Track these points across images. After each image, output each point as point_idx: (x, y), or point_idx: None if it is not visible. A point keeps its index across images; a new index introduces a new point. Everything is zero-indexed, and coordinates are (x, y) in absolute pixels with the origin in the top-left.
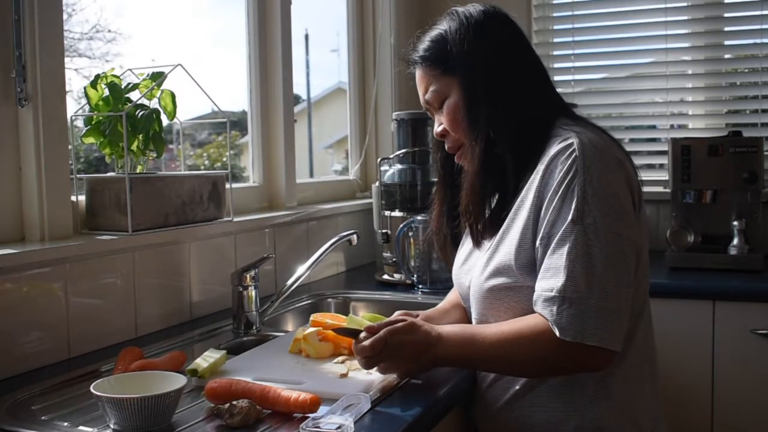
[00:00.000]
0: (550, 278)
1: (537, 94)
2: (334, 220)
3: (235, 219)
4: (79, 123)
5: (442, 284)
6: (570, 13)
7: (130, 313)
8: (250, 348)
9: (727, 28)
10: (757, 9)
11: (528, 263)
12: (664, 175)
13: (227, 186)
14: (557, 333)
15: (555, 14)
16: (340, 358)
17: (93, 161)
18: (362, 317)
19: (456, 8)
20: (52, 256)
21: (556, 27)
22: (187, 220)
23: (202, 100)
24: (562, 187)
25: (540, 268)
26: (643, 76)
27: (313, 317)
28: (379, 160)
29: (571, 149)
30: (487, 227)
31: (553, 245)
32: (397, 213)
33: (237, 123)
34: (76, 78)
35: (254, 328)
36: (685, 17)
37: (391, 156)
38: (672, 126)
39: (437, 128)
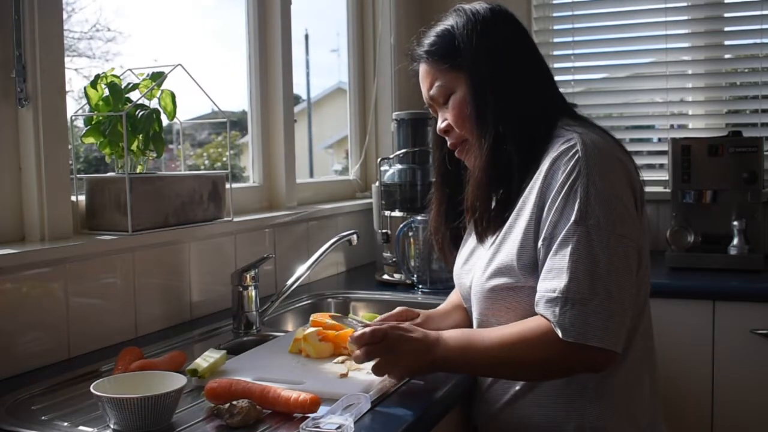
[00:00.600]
0: (553, 279)
1: (541, 93)
2: (334, 220)
3: (235, 219)
4: (79, 123)
5: (442, 284)
6: (570, 13)
7: (130, 313)
8: (250, 348)
9: (727, 28)
10: (757, 9)
11: (530, 264)
12: (664, 175)
13: (227, 186)
14: (560, 334)
15: (555, 14)
16: (340, 358)
17: (93, 161)
18: (362, 317)
19: (462, 5)
20: (52, 256)
21: (556, 27)
22: (187, 220)
23: (202, 100)
24: (565, 188)
25: (542, 269)
26: (643, 76)
27: (313, 317)
28: (379, 160)
29: (573, 150)
30: (492, 224)
31: (555, 246)
32: (397, 213)
33: (237, 123)
34: (76, 78)
35: (254, 328)
36: (685, 17)
37: (391, 156)
38: (672, 126)
39: (441, 124)
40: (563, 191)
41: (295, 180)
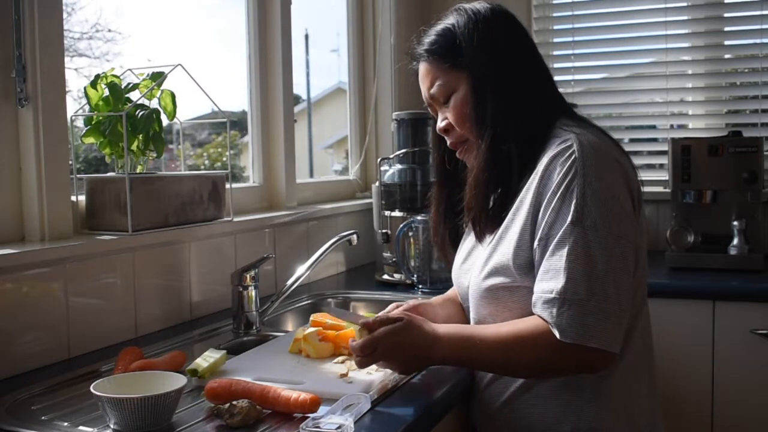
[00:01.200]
0: (550, 280)
1: (541, 93)
2: (334, 220)
3: (235, 219)
4: (79, 123)
5: (442, 284)
6: (570, 13)
7: (130, 313)
8: (250, 348)
9: (727, 28)
10: (757, 9)
11: (526, 264)
12: (664, 175)
13: (227, 186)
14: (557, 335)
15: (555, 14)
16: (340, 358)
17: (93, 161)
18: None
19: (462, 5)
20: (52, 256)
21: (556, 27)
22: (187, 220)
23: (202, 100)
24: (561, 188)
25: (538, 270)
26: (643, 76)
27: (313, 317)
28: (379, 160)
29: (570, 151)
30: (490, 223)
31: (552, 247)
32: (397, 213)
33: (237, 123)
34: (76, 78)
35: (254, 328)
36: (685, 17)
37: (391, 156)
38: (672, 126)
39: (441, 123)
40: (560, 191)
41: (295, 180)
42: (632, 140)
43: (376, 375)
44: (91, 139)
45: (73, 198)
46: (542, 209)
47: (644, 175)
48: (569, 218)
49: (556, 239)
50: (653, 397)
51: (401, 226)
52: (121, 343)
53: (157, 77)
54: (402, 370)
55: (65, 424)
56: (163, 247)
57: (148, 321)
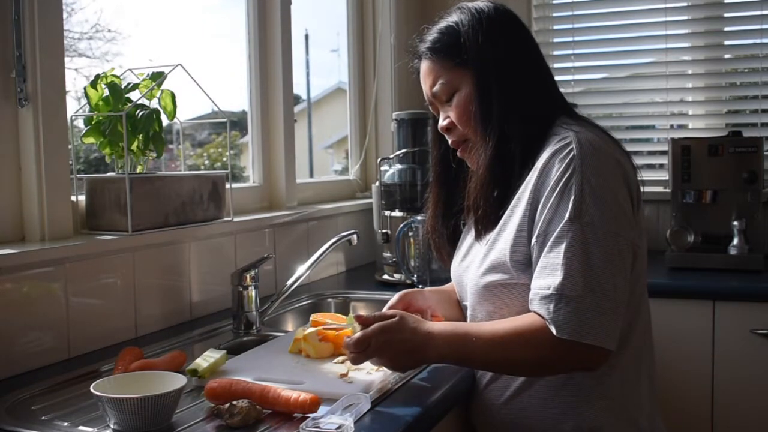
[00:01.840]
0: (547, 276)
1: (543, 92)
2: (334, 220)
3: (235, 219)
4: (79, 123)
5: (442, 284)
6: (570, 13)
7: (130, 313)
8: (250, 348)
9: (727, 28)
10: (757, 9)
11: (523, 260)
12: (664, 175)
13: (227, 186)
14: (554, 331)
15: (555, 14)
16: (340, 358)
17: (93, 161)
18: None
19: (465, 3)
20: (52, 256)
21: (556, 27)
22: (187, 220)
23: (202, 100)
24: (560, 185)
25: (536, 267)
26: (643, 76)
27: (313, 317)
28: (379, 160)
29: (568, 148)
30: (491, 221)
31: (549, 243)
32: (397, 213)
33: (237, 123)
34: (76, 78)
35: (254, 328)
36: (685, 17)
37: (391, 156)
38: (672, 126)
39: (443, 122)
40: (558, 188)
41: (295, 180)
42: (632, 140)
43: (376, 375)
44: (91, 139)
45: (73, 198)
46: (540, 206)
47: (644, 175)
48: (567, 215)
49: (553, 236)
50: (653, 397)
51: (401, 226)
52: (121, 343)
53: (157, 77)
54: (395, 366)
55: (65, 424)
56: (163, 247)
57: (148, 321)
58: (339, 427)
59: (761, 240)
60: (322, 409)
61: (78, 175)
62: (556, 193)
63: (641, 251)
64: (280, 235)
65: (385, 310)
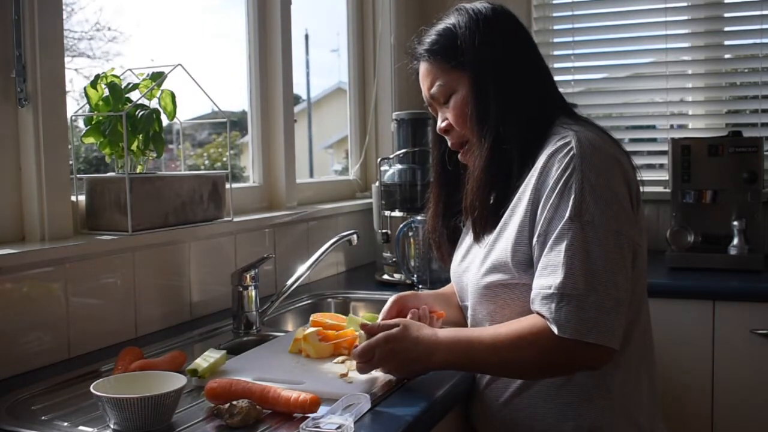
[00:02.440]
0: (548, 276)
1: (542, 93)
2: (334, 220)
3: (235, 219)
4: (80, 123)
5: (442, 284)
6: (570, 13)
7: (130, 313)
8: (250, 348)
9: (727, 28)
10: (757, 9)
11: (524, 260)
12: (664, 175)
13: (227, 186)
14: (556, 330)
15: (555, 14)
16: (340, 358)
17: (93, 161)
18: (362, 317)
19: (463, 4)
20: (52, 256)
21: (556, 27)
22: (187, 220)
23: (202, 100)
24: (560, 184)
25: (537, 266)
26: (643, 76)
27: (313, 317)
28: (379, 160)
29: (568, 147)
30: (489, 222)
31: (550, 242)
32: (397, 213)
33: (237, 123)
34: (76, 78)
35: (254, 328)
36: (685, 17)
37: (391, 156)
38: (672, 126)
39: (441, 124)
40: (558, 188)
41: (295, 180)
42: (632, 140)
43: (376, 375)
44: (91, 139)
45: (73, 198)
46: (540, 206)
47: (644, 175)
48: (567, 214)
49: (554, 235)
50: (654, 397)
51: (401, 226)
52: (121, 343)
53: (157, 77)
54: (401, 374)
55: (65, 424)
56: (163, 247)
57: (148, 321)
58: (339, 427)
59: (761, 240)
60: (322, 409)
61: (78, 175)
62: (556, 192)
63: (641, 250)
64: (280, 235)
65: (380, 318)
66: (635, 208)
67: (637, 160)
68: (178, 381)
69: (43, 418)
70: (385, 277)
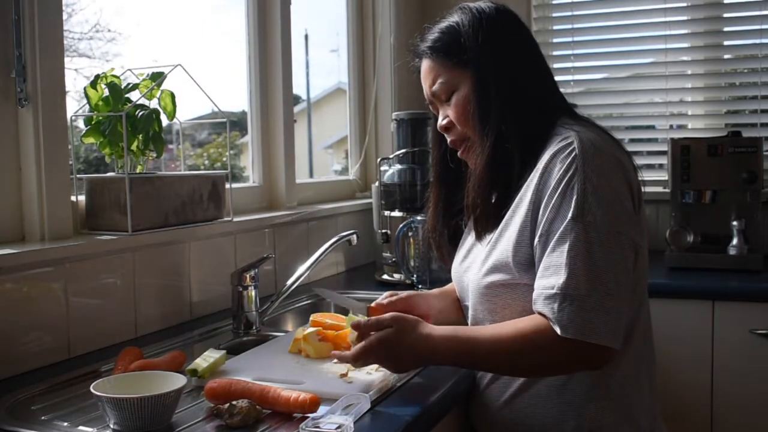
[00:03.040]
0: (551, 276)
1: (543, 93)
2: (334, 220)
3: (235, 219)
4: (79, 123)
5: (442, 284)
6: (570, 13)
7: (130, 313)
8: (250, 348)
9: (726, 29)
10: (756, 9)
11: (526, 261)
12: (664, 175)
13: (227, 186)
14: (558, 331)
15: (555, 14)
16: None
17: (93, 161)
18: (361, 317)
19: (466, 3)
20: (52, 256)
21: (555, 27)
22: (187, 220)
23: (201, 100)
24: (562, 185)
25: (539, 267)
26: (642, 76)
27: (312, 317)
28: (378, 160)
29: (570, 148)
30: (490, 221)
31: (552, 243)
32: (396, 213)
33: (237, 123)
34: (76, 78)
35: (254, 328)
36: (685, 17)
37: (391, 156)
38: (671, 126)
39: (442, 121)
40: (560, 188)
41: (294, 180)
42: (632, 140)
43: (376, 375)
44: (91, 139)
45: (73, 198)
46: (542, 206)
47: (644, 175)
48: (570, 214)
49: (556, 235)
50: (654, 396)
51: (401, 226)
52: (121, 343)
53: (157, 77)
54: (396, 370)
55: (65, 424)
56: (162, 247)
57: (148, 321)
58: (339, 427)
59: (761, 240)
60: (322, 409)
61: (78, 175)
62: (558, 192)
63: (643, 250)
64: (280, 235)
65: (381, 299)
66: (637, 209)
67: (637, 160)
68: (177, 381)
69: (43, 418)
70: (385, 277)
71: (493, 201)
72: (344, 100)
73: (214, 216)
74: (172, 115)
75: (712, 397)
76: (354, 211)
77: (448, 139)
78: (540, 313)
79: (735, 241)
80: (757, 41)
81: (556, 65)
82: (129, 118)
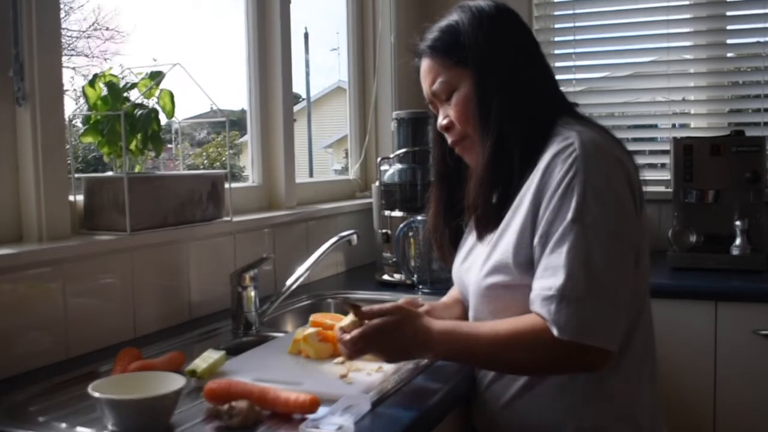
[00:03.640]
0: (549, 277)
1: (544, 92)
2: (334, 220)
3: (235, 219)
4: (78, 122)
5: (443, 284)
6: (571, 12)
7: (128, 314)
8: (250, 348)
9: (729, 27)
10: (759, 8)
11: (526, 262)
12: (666, 175)
13: (226, 186)
14: (555, 332)
15: (556, 13)
16: (340, 359)
17: (91, 161)
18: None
19: (467, 2)
20: (50, 256)
21: (557, 26)
22: (186, 220)
23: (201, 99)
24: (562, 185)
25: (538, 267)
26: (644, 75)
27: (312, 318)
28: (379, 159)
29: (571, 148)
30: (492, 221)
31: (551, 244)
32: (397, 213)
33: (236, 122)
34: (74, 77)
35: (253, 328)
36: (687, 16)
37: (391, 155)
38: (674, 125)
39: (442, 121)
40: (560, 189)
41: (294, 180)
42: (634, 140)
43: (376, 376)
44: (89, 139)
45: (71, 198)
46: (542, 207)
47: (646, 175)
48: (569, 216)
49: (555, 237)
50: (655, 398)
51: (401, 226)
52: (119, 344)
53: (156, 76)
54: (389, 361)
55: (63, 425)
56: (161, 247)
57: (147, 321)
58: (339, 428)
59: (764, 240)
60: (322, 410)
61: (76, 175)
62: (558, 193)
63: (644, 251)
64: (279, 235)
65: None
66: (638, 210)
67: (639, 160)
68: (177, 382)
69: (40, 419)
70: (385, 277)
71: (493, 201)
72: (344, 99)
73: (213, 216)
74: (170, 114)
75: (714, 398)
76: (354, 211)
77: (449, 139)
78: (537, 314)
79: (738, 241)
80: (760, 39)
81: (557, 64)
82: (127, 118)
